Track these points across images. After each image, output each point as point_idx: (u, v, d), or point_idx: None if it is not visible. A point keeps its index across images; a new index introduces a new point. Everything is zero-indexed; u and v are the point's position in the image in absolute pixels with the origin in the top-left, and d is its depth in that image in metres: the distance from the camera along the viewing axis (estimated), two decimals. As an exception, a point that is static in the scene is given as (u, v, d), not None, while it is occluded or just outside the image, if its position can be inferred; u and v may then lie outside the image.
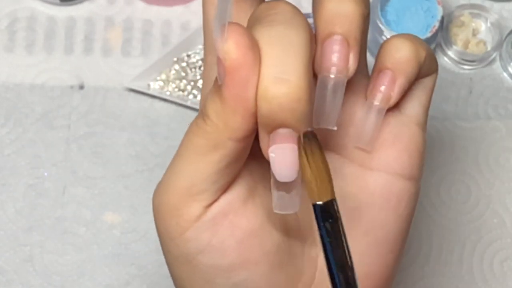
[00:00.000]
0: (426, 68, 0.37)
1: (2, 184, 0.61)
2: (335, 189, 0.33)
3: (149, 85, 0.64)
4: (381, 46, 0.36)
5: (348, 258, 0.32)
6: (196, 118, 0.33)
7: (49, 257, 0.60)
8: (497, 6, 0.67)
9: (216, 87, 0.32)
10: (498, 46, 0.65)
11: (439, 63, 0.65)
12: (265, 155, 0.32)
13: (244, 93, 0.31)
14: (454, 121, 0.64)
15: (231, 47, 0.30)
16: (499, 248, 0.61)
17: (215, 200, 0.34)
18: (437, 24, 0.62)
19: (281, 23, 0.32)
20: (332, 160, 0.37)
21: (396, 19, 0.63)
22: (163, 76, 0.64)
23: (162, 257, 0.60)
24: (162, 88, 0.64)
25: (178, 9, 0.65)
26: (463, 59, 0.65)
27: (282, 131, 0.31)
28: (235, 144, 0.32)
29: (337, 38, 0.33)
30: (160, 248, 0.60)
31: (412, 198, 0.37)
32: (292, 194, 0.33)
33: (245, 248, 0.34)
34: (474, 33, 0.66)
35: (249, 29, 0.32)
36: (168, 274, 0.61)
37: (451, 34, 0.65)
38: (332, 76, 0.34)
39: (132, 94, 0.63)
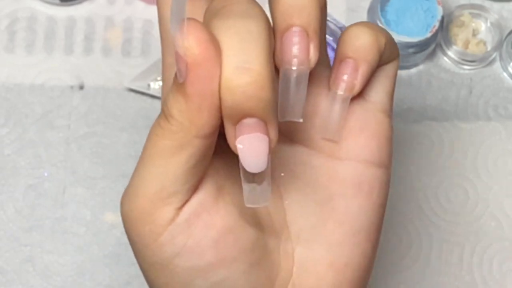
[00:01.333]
0: (387, 55, 0.37)
1: (2, 184, 0.61)
2: (308, 182, 0.34)
3: (149, 85, 0.64)
4: (341, 36, 0.36)
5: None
6: (158, 120, 0.33)
7: (49, 257, 0.60)
8: (497, 6, 0.67)
9: (177, 85, 0.31)
10: (498, 46, 0.65)
11: (439, 63, 0.65)
12: (232, 147, 0.32)
13: (208, 88, 0.31)
14: (454, 122, 0.64)
15: (192, 43, 0.30)
16: (497, 251, 0.61)
17: (187, 201, 0.33)
18: (437, 24, 0.62)
19: (238, 14, 0.31)
20: (300, 152, 0.37)
21: (396, 19, 0.63)
22: (163, 76, 0.64)
23: (162, 257, 0.60)
24: (162, 88, 0.64)
25: (178, 9, 0.65)
26: (463, 59, 0.65)
27: (248, 121, 0.31)
28: (202, 141, 0.32)
29: (296, 29, 0.33)
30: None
31: (383, 185, 0.37)
32: (263, 186, 0.32)
33: (222, 246, 0.34)
34: (474, 33, 0.66)
35: (207, 23, 0.32)
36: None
37: (451, 34, 0.65)
38: (294, 68, 0.33)
39: (132, 94, 0.64)
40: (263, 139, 0.31)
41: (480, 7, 0.66)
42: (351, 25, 0.36)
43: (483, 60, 0.65)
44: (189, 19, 0.30)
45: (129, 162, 0.62)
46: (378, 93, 0.37)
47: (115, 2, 0.66)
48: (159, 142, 0.33)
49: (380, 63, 0.37)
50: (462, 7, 0.66)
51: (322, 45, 0.36)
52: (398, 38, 0.62)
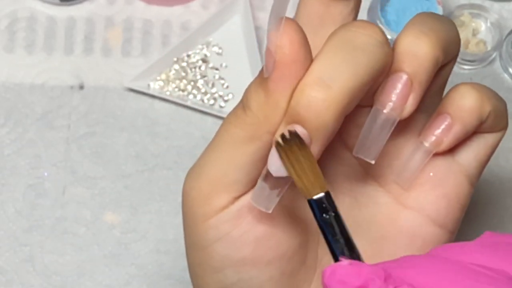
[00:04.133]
0: (490, 124, 0.36)
1: (2, 184, 0.61)
2: (366, 215, 0.33)
3: (149, 85, 0.64)
4: (450, 90, 0.36)
5: (353, 243, 0.32)
6: (235, 108, 0.33)
7: (49, 257, 0.60)
8: (497, 6, 0.67)
9: (261, 79, 0.32)
10: (498, 46, 0.65)
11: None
12: (273, 139, 0.32)
13: (289, 88, 0.31)
14: (454, 121, 0.64)
15: (285, 42, 0.30)
16: (499, 248, 0.61)
17: (244, 193, 0.34)
18: (437, 24, 0.62)
19: (361, 42, 0.31)
20: (370, 186, 0.37)
21: (396, 19, 0.63)
22: (163, 76, 0.64)
23: (162, 257, 0.60)
24: (162, 88, 0.64)
25: (178, 9, 0.65)
26: (463, 59, 0.65)
27: (298, 128, 0.31)
28: (271, 137, 0.32)
29: (402, 76, 0.33)
30: (160, 248, 0.60)
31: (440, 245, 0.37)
32: (272, 192, 0.33)
33: (261, 246, 0.34)
34: (474, 33, 0.66)
35: (332, 34, 0.32)
36: (168, 274, 0.61)
37: (451, 34, 0.65)
38: (384, 111, 0.33)
39: (132, 94, 0.63)
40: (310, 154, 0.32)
41: (480, 7, 0.66)
42: (463, 83, 0.36)
43: (483, 60, 0.65)
44: (288, 18, 0.30)
45: (129, 162, 0.62)
46: (468, 158, 0.37)
47: (115, 2, 0.66)
48: (231, 130, 0.33)
49: (479, 129, 0.36)
50: (462, 7, 0.66)
51: (428, 95, 0.35)
52: (398, 38, 0.62)
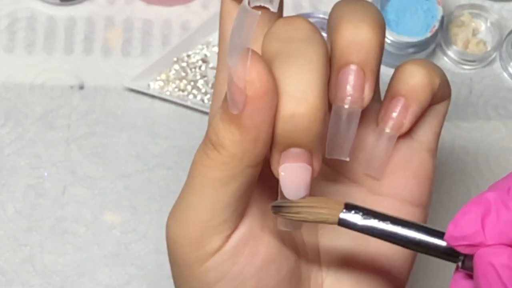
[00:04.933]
0: (440, 95, 0.36)
1: (2, 184, 0.61)
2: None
3: (149, 85, 0.64)
4: (395, 72, 0.36)
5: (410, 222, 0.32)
6: (204, 148, 0.32)
7: (49, 257, 0.60)
8: (497, 6, 0.67)
9: (229, 116, 0.31)
10: (498, 46, 0.65)
11: (439, 63, 0.65)
12: (274, 172, 0.32)
13: (267, 119, 0.30)
14: (454, 121, 0.64)
15: (254, 75, 0.29)
16: (499, 248, 0.61)
17: (235, 228, 0.33)
18: (437, 24, 0.62)
19: (299, 41, 0.31)
20: (341, 184, 0.37)
21: (396, 19, 0.63)
22: (163, 76, 0.64)
23: (162, 257, 0.60)
24: (162, 88, 0.64)
25: (178, 9, 0.65)
26: (463, 59, 0.65)
27: (294, 150, 0.31)
28: (253, 170, 0.32)
29: (353, 68, 0.33)
30: (159, 248, 0.60)
31: None
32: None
33: (264, 275, 0.34)
34: (474, 33, 0.66)
35: (266, 47, 0.31)
36: (168, 274, 0.61)
37: (451, 34, 0.65)
38: (346, 106, 0.33)
39: (132, 94, 0.63)
40: (306, 169, 0.31)
41: (480, 7, 0.66)
42: (407, 62, 0.36)
43: (483, 60, 0.65)
44: (252, 51, 0.29)
45: (129, 162, 0.62)
46: (425, 133, 0.37)
47: (115, 2, 0.66)
48: (208, 173, 0.32)
49: (431, 102, 0.36)
50: (462, 7, 0.66)
51: (377, 83, 0.35)
52: (398, 38, 0.62)
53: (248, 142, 0.31)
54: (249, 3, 0.29)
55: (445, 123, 0.63)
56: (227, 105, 0.30)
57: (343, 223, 0.32)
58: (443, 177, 0.62)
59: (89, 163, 0.62)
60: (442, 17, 0.63)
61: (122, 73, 0.64)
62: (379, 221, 0.32)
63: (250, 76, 0.29)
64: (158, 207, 0.61)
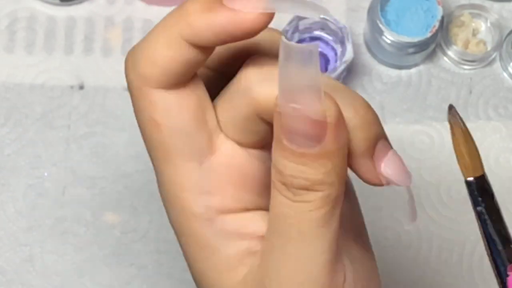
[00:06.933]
0: None
1: (2, 184, 0.61)
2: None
3: (149, 85, 0.64)
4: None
5: (507, 230, 0.32)
6: (293, 198, 0.32)
7: (49, 257, 0.60)
8: (497, 6, 0.67)
9: (312, 155, 0.31)
10: (498, 46, 0.65)
11: (439, 63, 0.65)
12: (374, 179, 0.32)
13: (347, 136, 0.31)
14: (454, 121, 0.64)
15: (330, 104, 0.30)
16: (499, 248, 0.61)
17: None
18: (437, 24, 0.62)
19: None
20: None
21: (396, 19, 0.63)
22: (163, 76, 0.64)
23: (162, 257, 0.60)
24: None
25: (178, 9, 0.65)
26: (463, 59, 0.65)
27: (383, 142, 0.32)
28: (343, 188, 0.32)
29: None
30: (160, 248, 0.60)
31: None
32: (411, 197, 0.33)
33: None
34: (474, 33, 0.66)
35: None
36: (168, 274, 0.61)
37: (451, 34, 0.65)
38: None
39: (132, 94, 0.63)
40: (396, 153, 0.32)
41: (480, 7, 0.66)
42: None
43: (483, 60, 0.65)
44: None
45: (129, 162, 0.62)
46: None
47: (115, 2, 0.66)
48: (314, 215, 0.32)
49: None
50: (462, 7, 0.66)
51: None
52: (398, 38, 0.62)
53: (340, 165, 0.31)
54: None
55: (445, 123, 0.64)
56: (300, 148, 0.30)
57: (469, 186, 0.32)
58: (443, 177, 0.62)
59: (89, 163, 0.62)
60: (442, 17, 0.63)
61: (122, 73, 0.63)
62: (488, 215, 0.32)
63: (328, 105, 0.30)
64: (158, 207, 0.61)
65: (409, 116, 0.64)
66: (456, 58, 0.65)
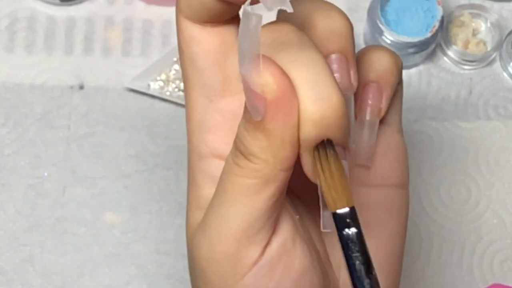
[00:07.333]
0: (400, 75, 0.37)
1: (2, 184, 0.61)
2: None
3: (149, 85, 0.64)
4: (359, 60, 0.36)
5: (371, 263, 0.31)
6: (235, 159, 0.32)
7: (49, 257, 0.60)
8: (497, 6, 0.67)
9: (253, 123, 0.31)
10: (498, 46, 0.65)
11: (439, 63, 0.65)
12: (310, 176, 0.32)
13: (290, 121, 0.30)
14: (454, 121, 0.64)
15: (269, 79, 0.29)
16: (499, 249, 0.61)
17: (270, 239, 0.33)
18: (437, 24, 0.62)
19: (295, 45, 0.31)
20: None
21: (396, 19, 0.63)
22: (163, 76, 0.64)
23: (162, 257, 0.60)
24: (162, 88, 0.64)
25: (178, 9, 0.65)
26: (463, 59, 0.65)
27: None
28: (285, 174, 0.32)
29: (335, 56, 0.33)
30: (160, 248, 0.60)
31: (408, 205, 0.37)
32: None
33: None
34: (474, 33, 0.66)
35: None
36: (168, 274, 0.61)
37: (451, 34, 0.65)
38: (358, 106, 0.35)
39: (132, 94, 0.63)
40: (345, 165, 0.31)
41: (480, 7, 0.66)
42: (368, 50, 0.36)
43: (483, 60, 0.65)
44: (263, 54, 0.29)
45: (129, 162, 0.62)
46: (392, 115, 0.37)
47: (115, 2, 0.66)
48: (242, 181, 0.32)
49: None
50: (462, 7, 0.66)
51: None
52: (398, 38, 0.62)
53: (277, 146, 0.31)
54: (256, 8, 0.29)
55: (445, 123, 0.64)
56: (249, 114, 0.30)
57: (334, 218, 0.31)
58: (443, 177, 0.62)
59: (89, 163, 0.62)
60: (442, 17, 0.63)
61: (122, 73, 0.64)
62: (353, 251, 0.31)
63: (265, 79, 0.29)
64: (158, 207, 0.61)
65: (409, 116, 0.64)
66: (456, 58, 0.65)
